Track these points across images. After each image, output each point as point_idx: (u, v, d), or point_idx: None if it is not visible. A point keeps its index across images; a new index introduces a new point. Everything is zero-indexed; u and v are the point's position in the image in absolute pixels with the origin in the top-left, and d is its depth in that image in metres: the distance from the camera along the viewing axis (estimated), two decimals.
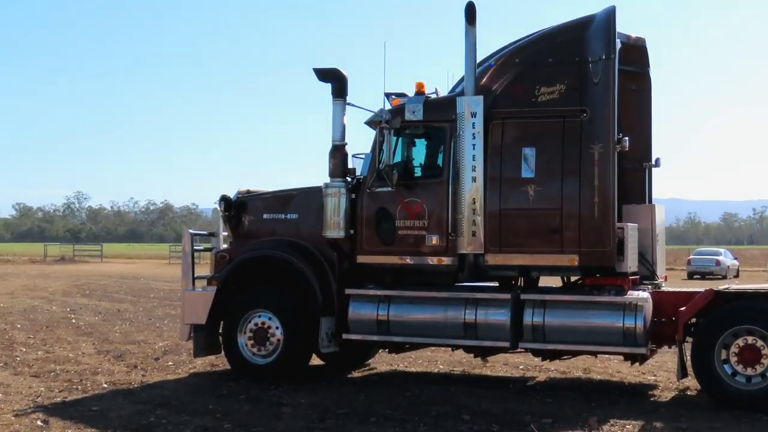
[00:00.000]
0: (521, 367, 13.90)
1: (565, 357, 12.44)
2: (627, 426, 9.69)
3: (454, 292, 11.96)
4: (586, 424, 9.70)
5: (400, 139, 12.27)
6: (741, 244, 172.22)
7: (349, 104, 12.57)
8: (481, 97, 11.66)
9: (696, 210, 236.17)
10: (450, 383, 12.38)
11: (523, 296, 11.61)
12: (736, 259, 56.04)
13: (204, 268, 14.34)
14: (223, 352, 12.96)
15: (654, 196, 12.96)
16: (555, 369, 13.59)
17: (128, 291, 33.23)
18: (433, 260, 11.96)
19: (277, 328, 12.40)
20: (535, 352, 12.07)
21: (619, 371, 13.47)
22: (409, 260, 12.08)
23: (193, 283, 13.12)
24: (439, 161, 12.05)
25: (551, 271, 11.68)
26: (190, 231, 13.44)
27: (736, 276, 51.90)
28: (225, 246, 13.61)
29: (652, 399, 11.48)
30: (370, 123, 12.56)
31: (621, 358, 12.58)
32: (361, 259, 12.34)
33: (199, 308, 12.79)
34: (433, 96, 12.46)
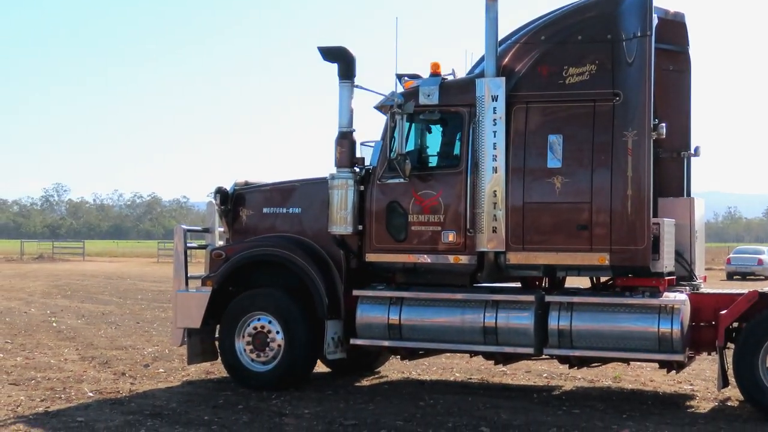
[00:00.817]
0: (545, 375, 13.94)
1: (594, 364, 12.46)
2: None
3: (473, 294, 11.99)
4: None
5: (413, 125, 12.29)
6: None
7: (357, 87, 12.59)
8: (503, 78, 11.67)
9: (736, 204, 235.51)
10: (467, 392, 12.41)
11: (548, 298, 11.63)
12: None
13: (198, 267, 14.38)
14: (219, 359, 13.02)
15: (693, 188, 12.97)
16: (582, 377, 13.63)
17: (113, 292, 33.31)
18: (449, 259, 11.99)
19: (277, 332, 12.44)
20: (562, 359, 12.10)
21: (653, 380, 13.49)
22: (423, 258, 12.11)
23: (186, 284, 13.16)
24: (457, 150, 12.07)
25: (579, 270, 11.70)
26: (183, 227, 13.48)
27: None
28: (221, 243, 13.65)
29: (689, 410, 11.50)
30: (380, 107, 12.59)
31: (655, 365, 12.61)
32: (371, 257, 12.37)
33: (193, 311, 12.83)
34: (450, 78, 12.45)
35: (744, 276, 49.78)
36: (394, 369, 14.49)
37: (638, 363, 13.58)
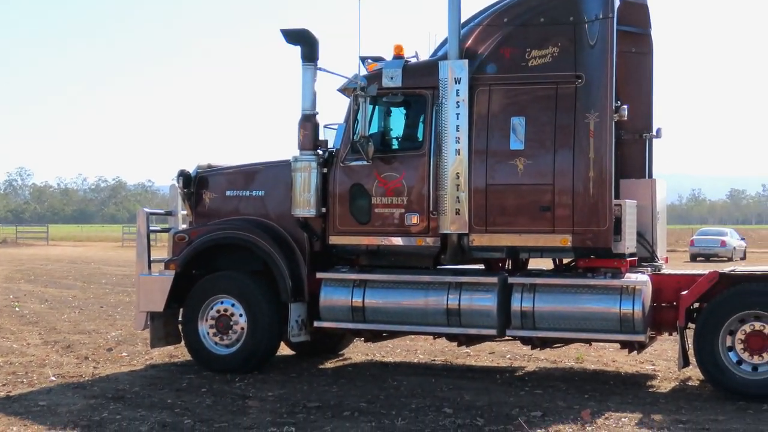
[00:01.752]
0: (508, 356, 14.01)
1: (557, 345, 12.54)
2: (623, 419, 9.80)
3: (436, 276, 12.02)
4: (579, 417, 9.79)
5: (376, 107, 12.27)
6: (749, 223, 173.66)
7: (320, 69, 12.55)
8: (466, 61, 11.67)
9: (700, 186, 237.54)
10: (431, 374, 12.46)
11: (510, 280, 11.69)
12: (743, 239, 56.54)
13: (161, 251, 14.32)
14: (182, 342, 12.99)
15: (655, 170, 13.05)
16: (545, 358, 13.71)
17: (77, 276, 33.12)
18: (412, 241, 12.01)
19: (241, 315, 12.43)
20: (524, 341, 12.17)
21: (615, 360, 13.59)
22: (386, 241, 12.12)
23: (149, 267, 13.10)
24: (420, 132, 12.08)
25: (542, 252, 11.75)
26: (146, 210, 13.42)
27: (743, 258, 52.39)
28: (184, 226, 13.60)
29: (650, 390, 11.60)
30: (343, 90, 12.57)
31: (617, 346, 12.72)
32: (334, 239, 12.37)
33: (156, 294, 12.78)
34: (413, 60, 12.46)
35: (707, 257, 50.28)
36: (357, 351, 14.52)
37: (600, 344, 13.70)
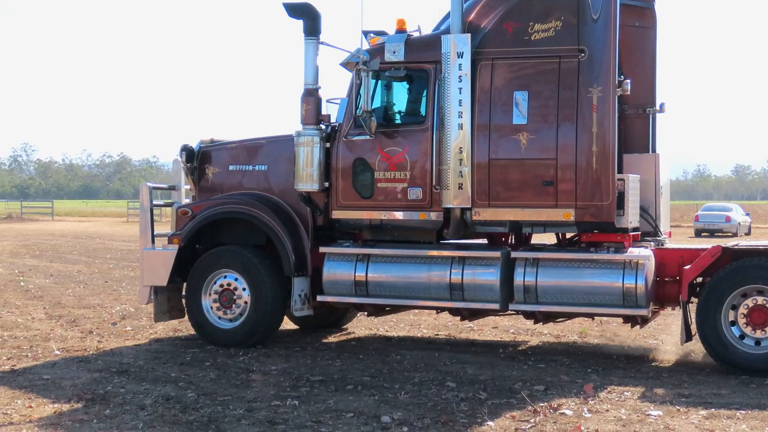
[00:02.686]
0: (512, 330, 14.04)
1: (560, 320, 12.57)
2: (626, 393, 9.83)
3: (439, 250, 12.02)
4: (582, 391, 9.82)
5: (379, 82, 12.27)
6: (754, 198, 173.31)
7: (322, 43, 12.53)
8: (469, 35, 11.64)
9: (705, 162, 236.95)
10: (434, 348, 12.49)
11: (513, 254, 11.70)
12: (747, 214, 56.51)
13: (165, 226, 14.33)
14: (186, 316, 13.03)
15: (659, 145, 12.99)
16: (548, 332, 13.74)
17: (82, 251, 33.18)
18: (415, 215, 12.01)
19: (244, 289, 12.46)
20: (527, 315, 12.17)
21: (618, 335, 13.62)
22: (389, 215, 12.13)
23: (153, 242, 13.13)
24: (423, 106, 12.06)
25: (545, 226, 11.75)
26: (149, 184, 13.42)
27: (748, 233, 52.45)
28: (187, 201, 13.61)
29: (653, 364, 11.62)
30: (346, 64, 12.50)
31: (620, 320, 12.73)
32: (337, 214, 12.38)
33: (160, 269, 12.81)
34: (416, 34, 12.42)
35: (712, 233, 50.24)
36: (361, 325, 14.55)
37: (603, 318, 13.71)
